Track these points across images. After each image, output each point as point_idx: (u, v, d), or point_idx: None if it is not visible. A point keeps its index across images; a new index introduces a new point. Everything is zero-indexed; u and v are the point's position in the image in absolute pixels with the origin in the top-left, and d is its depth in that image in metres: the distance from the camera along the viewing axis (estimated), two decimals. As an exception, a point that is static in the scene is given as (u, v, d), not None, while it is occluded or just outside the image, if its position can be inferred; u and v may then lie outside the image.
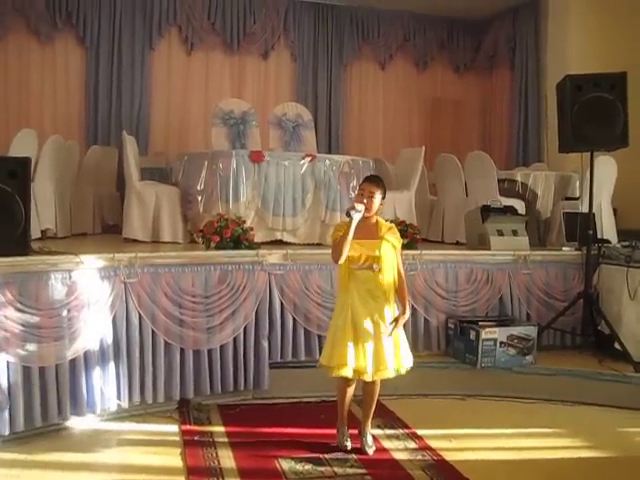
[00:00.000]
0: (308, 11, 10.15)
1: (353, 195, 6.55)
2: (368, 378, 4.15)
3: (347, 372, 4.08)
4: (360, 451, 4.31)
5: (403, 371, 4.23)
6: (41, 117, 8.95)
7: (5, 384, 4.19)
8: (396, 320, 4.14)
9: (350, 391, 4.31)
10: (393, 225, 4.35)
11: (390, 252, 4.19)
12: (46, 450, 4.26)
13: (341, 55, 10.35)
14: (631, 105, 5.96)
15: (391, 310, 4.20)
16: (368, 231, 4.16)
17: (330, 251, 4.20)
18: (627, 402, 5.31)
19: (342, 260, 4.08)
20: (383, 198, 4.24)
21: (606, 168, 7.08)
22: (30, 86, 8.96)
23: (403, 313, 4.18)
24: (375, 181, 4.26)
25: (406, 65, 10.78)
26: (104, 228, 7.79)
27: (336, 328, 4.18)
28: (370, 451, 4.33)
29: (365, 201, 4.12)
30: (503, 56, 10.44)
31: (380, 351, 4.12)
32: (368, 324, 4.13)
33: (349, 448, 4.31)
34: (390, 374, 4.17)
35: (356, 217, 4.04)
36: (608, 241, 6.69)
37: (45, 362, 4.39)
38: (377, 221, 4.25)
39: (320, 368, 4.26)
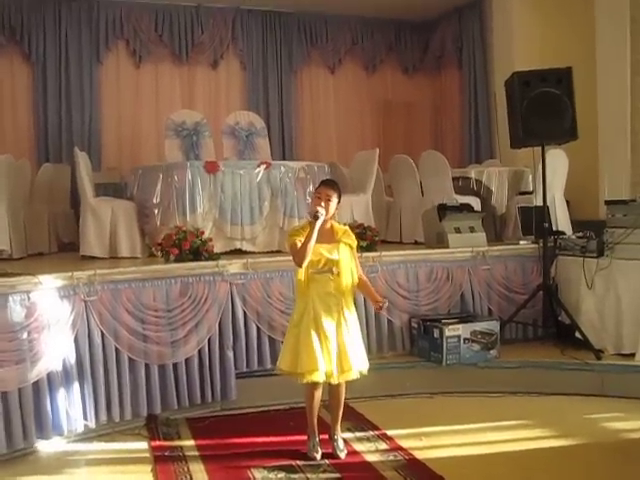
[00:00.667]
0: (256, 19, 10.10)
1: (310, 200, 6.56)
2: (335, 381, 4.17)
3: (319, 377, 4.10)
4: (332, 456, 4.32)
5: (365, 372, 4.29)
6: (-11, 137, 8.79)
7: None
8: (380, 308, 4.28)
9: (318, 396, 4.32)
10: (347, 228, 4.40)
11: (347, 255, 4.26)
12: (13, 476, 4.17)
13: (290, 61, 10.34)
14: (578, 99, 6.07)
15: (351, 312, 4.27)
16: (325, 235, 4.20)
17: (290, 257, 4.21)
18: (591, 389, 5.42)
19: (305, 263, 4.09)
20: (338, 202, 4.29)
21: (557, 161, 7.20)
22: (-25, 105, 8.80)
23: (380, 300, 4.29)
24: (331, 185, 4.31)
25: (355, 68, 10.81)
26: (60, 247, 7.66)
27: (298, 333, 4.18)
28: (342, 455, 4.35)
29: (323, 204, 4.15)
30: (451, 56, 10.54)
31: (344, 353, 4.17)
32: (330, 327, 4.16)
33: (319, 459, 4.29)
34: (355, 375, 4.22)
35: (320, 220, 4.09)
36: (563, 233, 6.81)
37: (7, 386, 4.30)
38: (332, 225, 4.31)
39: (281, 374, 4.28)
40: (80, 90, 9.13)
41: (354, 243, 4.33)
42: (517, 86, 6.12)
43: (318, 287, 4.20)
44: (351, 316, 4.27)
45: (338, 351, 4.16)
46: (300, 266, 4.11)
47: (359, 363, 4.24)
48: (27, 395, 4.42)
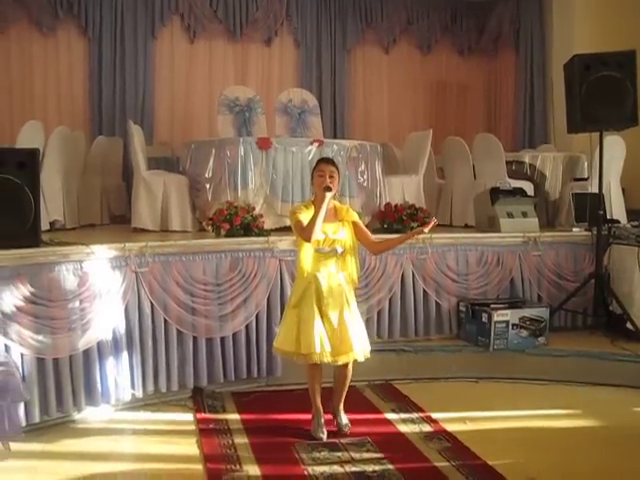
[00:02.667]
0: (311, -3, 10.06)
1: (361, 180, 6.55)
2: (337, 362, 4.18)
3: (320, 358, 4.10)
4: (339, 434, 4.37)
5: (368, 355, 4.28)
6: (45, 109, 8.89)
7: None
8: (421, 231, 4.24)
9: (319, 375, 4.33)
10: (348, 206, 4.41)
11: (351, 234, 4.26)
12: (62, 441, 4.28)
13: (344, 40, 10.24)
14: (640, 84, 5.93)
15: (352, 293, 4.30)
16: (328, 214, 4.18)
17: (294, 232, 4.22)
18: (641, 382, 5.32)
19: (315, 239, 4.06)
20: (338, 181, 4.28)
21: (615, 148, 7.03)
22: (33, 78, 8.89)
23: (417, 231, 4.33)
24: (332, 162, 4.34)
25: (410, 49, 10.67)
26: (111, 219, 7.75)
27: (299, 313, 4.18)
28: (347, 429, 4.40)
29: (329, 181, 4.15)
30: (507, 37, 10.33)
31: (345, 334, 4.16)
32: (333, 307, 4.17)
33: (324, 439, 4.31)
34: (357, 356, 4.21)
35: (329, 195, 4.08)
36: (618, 221, 6.67)
37: (59, 353, 4.41)
38: (334, 204, 4.31)
39: (278, 354, 4.34)
40: (134, 65, 9.19)
41: (357, 218, 4.33)
42: (577, 69, 5.99)
43: (321, 266, 4.19)
44: (352, 297, 4.29)
45: (340, 332, 4.15)
46: (309, 240, 4.05)
47: (361, 344, 4.22)
48: (77, 363, 4.53)
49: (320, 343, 4.08)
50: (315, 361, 4.13)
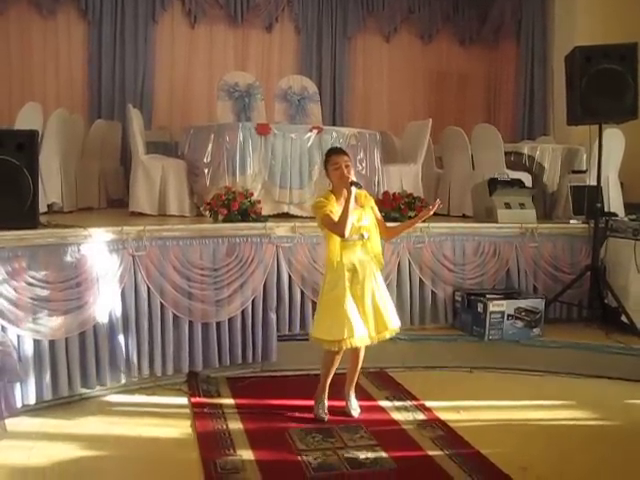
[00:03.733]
0: (312, -17, 10.03)
1: (360, 168, 6.54)
2: (374, 341, 4.29)
3: (358, 342, 4.19)
4: (345, 413, 4.46)
5: (397, 330, 4.41)
6: (44, 91, 8.84)
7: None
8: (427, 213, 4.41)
9: (338, 361, 4.38)
10: (365, 192, 4.42)
11: (372, 218, 4.35)
12: (57, 423, 4.29)
13: (345, 28, 10.20)
14: (641, 77, 5.91)
15: (379, 274, 4.39)
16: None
17: (323, 226, 4.24)
18: (634, 374, 5.35)
19: (348, 233, 4.11)
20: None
21: (614, 141, 7.02)
22: (33, 60, 8.85)
23: (423, 214, 4.46)
24: (344, 152, 4.40)
25: (411, 38, 10.63)
26: (109, 202, 7.75)
27: (335, 301, 4.22)
28: (355, 413, 4.48)
29: (346, 172, 4.20)
30: (509, 28, 10.30)
31: (379, 314, 4.28)
32: (366, 291, 4.24)
33: (326, 420, 4.38)
34: (391, 333, 4.36)
35: (355, 190, 4.13)
36: (615, 214, 6.69)
37: (55, 335, 4.41)
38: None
39: (316, 342, 4.32)
40: (134, 49, 9.15)
41: (373, 202, 4.41)
42: (578, 61, 5.98)
43: (350, 254, 4.24)
44: (380, 277, 4.39)
45: (374, 313, 4.26)
46: (344, 236, 4.12)
47: (394, 322, 4.36)
48: (73, 345, 4.54)
49: (356, 328, 4.15)
50: (353, 345, 4.20)
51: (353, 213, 4.16)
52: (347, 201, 4.09)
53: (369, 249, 4.31)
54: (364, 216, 4.28)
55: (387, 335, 4.33)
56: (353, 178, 4.17)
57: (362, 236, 4.25)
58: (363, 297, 4.23)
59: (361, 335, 4.18)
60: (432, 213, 4.37)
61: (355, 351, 4.38)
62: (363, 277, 4.25)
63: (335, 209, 4.18)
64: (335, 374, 4.46)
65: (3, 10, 8.59)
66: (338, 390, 4.54)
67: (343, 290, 4.20)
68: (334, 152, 4.39)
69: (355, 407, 4.51)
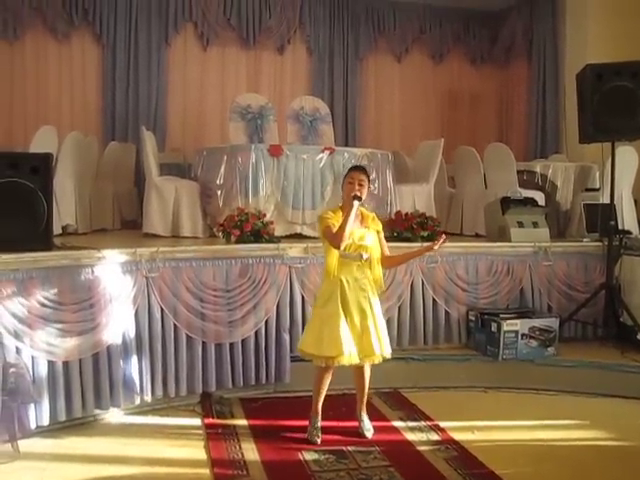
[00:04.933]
0: (323, 5, 10.07)
1: (372, 188, 6.55)
2: (359, 363, 4.25)
3: (345, 361, 4.16)
4: (359, 434, 4.43)
5: (388, 357, 4.35)
6: (59, 114, 8.94)
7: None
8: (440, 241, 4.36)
9: (329, 379, 4.38)
10: (374, 214, 4.47)
11: (376, 241, 4.34)
12: (71, 444, 4.30)
13: (357, 49, 10.27)
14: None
15: (376, 298, 4.35)
16: (356, 220, 4.26)
17: (323, 237, 4.27)
18: (651, 394, 5.29)
19: (343, 245, 4.13)
20: (368, 188, 4.34)
21: (627, 158, 7.03)
22: (48, 83, 8.95)
23: (428, 246, 4.47)
24: (363, 170, 4.40)
25: (422, 58, 10.68)
26: (123, 224, 7.81)
27: (323, 316, 4.24)
28: (368, 434, 4.45)
29: (358, 189, 4.22)
30: (520, 47, 10.33)
31: (367, 338, 4.23)
32: (357, 312, 4.22)
33: (319, 443, 4.34)
34: (378, 359, 4.29)
35: (357, 203, 4.16)
36: (629, 232, 6.64)
37: (69, 357, 4.43)
38: (361, 211, 4.38)
39: (302, 356, 4.37)
40: (148, 71, 9.24)
41: (380, 227, 4.41)
42: (589, 79, 5.99)
43: (347, 271, 4.25)
44: (376, 302, 4.35)
45: (363, 335, 4.22)
46: (338, 248, 4.15)
47: (383, 348, 4.29)
48: (87, 366, 4.55)
49: (343, 346, 4.13)
50: (340, 363, 4.18)
51: (356, 231, 4.20)
52: (347, 214, 4.11)
53: (368, 271, 4.29)
54: (367, 236, 4.28)
55: (374, 360, 4.28)
56: (359, 194, 4.17)
57: (361, 256, 4.24)
58: (354, 317, 4.21)
59: (350, 354, 4.15)
60: (437, 248, 4.37)
61: (359, 371, 4.38)
62: (357, 297, 4.24)
63: (338, 223, 4.18)
64: (348, 394, 4.45)
65: (19, 34, 8.70)
66: (351, 411, 4.53)
67: (336, 306, 4.20)
68: (353, 168, 4.43)
69: (368, 427, 4.49)
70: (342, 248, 4.16)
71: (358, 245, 4.23)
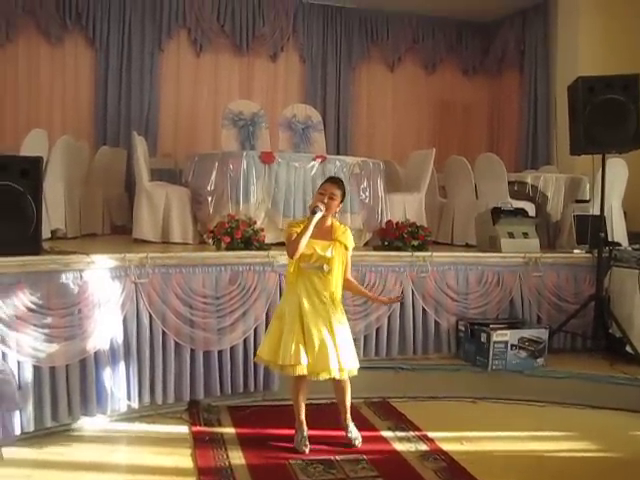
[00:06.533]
0: (317, 13, 10.12)
1: (363, 196, 6.57)
2: (317, 377, 4.21)
3: (299, 371, 4.15)
4: (349, 445, 4.40)
5: (354, 372, 4.32)
6: (51, 118, 8.92)
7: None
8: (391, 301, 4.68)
9: (303, 389, 4.38)
10: (347, 229, 4.42)
11: (341, 255, 4.29)
12: (57, 450, 4.26)
13: (350, 57, 10.31)
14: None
15: (337, 311, 4.29)
16: (322, 231, 4.25)
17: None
18: (639, 405, 5.28)
19: (297, 255, 4.12)
20: (341, 201, 4.33)
21: (617, 170, 7.05)
22: (40, 87, 8.93)
23: (378, 299, 4.80)
24: (337, 183, 4.36)
25: (415, 68, 10.72)
26: (113, 229, 7.78)
27: (282, 325, 4.23)
28: (357, 443, 4.42)
29: (325, 201, 4.20)
30: (512, 58, 10.38)
31: (323, 352, 4.17)
32: (315, 323, 4.19)
33: (307, 452, 4.31)
34: (335, 374, 4.21)
35: (317, 215, 4.13)
36: (619, 244, 6.67)
37: (56, 362, 4.39)
38: (332, 223, 4.35)
39: (260, 362, 4.43)
40: (140, 77, 9.23)
41: (350, 244, 4.34)
42: (581, 91, 6.00)
43: (306, 282, 4.24)
44: (336, 315, 4.28)
45: (318, 348, 4.17)
46: (291, 257, 4.15)
47: (341, 363, 4.21)
48: (74, 372, 4.51)
49: (299, 356, 4.13)
50: (290, 373, 4.20)
51: (319, 243, 4.19)
52: (306, 225, 4.11)
53: (327, 284, 4.25)
54: (330, 249, 4.23)
55: (330, 374, 4.19)
56: (320, 206, 4.14)
57: (321, 267, 4.22)
58: (311, 329, 4.17)
59: (301, 365, 4.13)
60: (387, 302, 4.61)
61: (335, 385, 4.36)
62: (316, 309, 4.21)
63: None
64: (335, 403, 4.45)
65: (12, 37, 8.68)
66: (339, 420, 4.51)
67: (293, 316, 4.20)
68: (328, 180, 4.42)
69: (356, 436, 4.45)
70: (304, 258, 4.17)
71: (320, 256, 4.20)
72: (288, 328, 4.19)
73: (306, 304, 4.20)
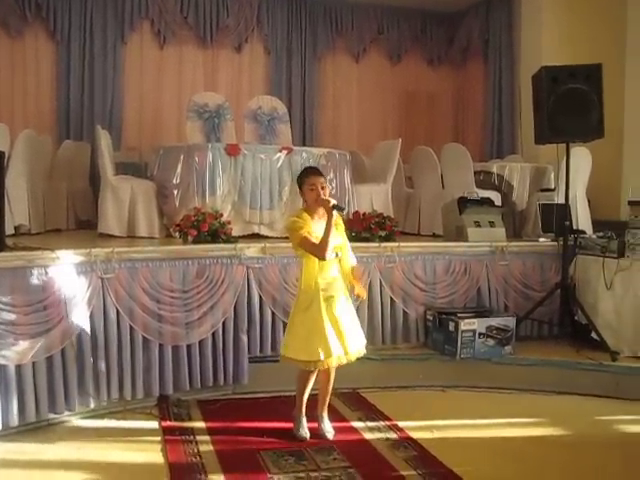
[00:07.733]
0: (281, 4, 10.06)
1: (330, 188, 6.52)
2: (345, 360, 4.25)
3: (335, 362, 4.20)
4: (319, 436, 4.41)
5: (363, 352, 4.41)
6: (12, 112, 8.78)
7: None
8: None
9: (313, 379, 4.38)
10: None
11: (342, 237, 4.36)
12: (23, 449, 4.21)
13: (315, 48, 10.29)
14: (605, 96, 5.98)
15: (349, 294, 4.40)
16: (322, 221, 4.24)
17: (299, 247, 4.23)
18: (605, 391, 5.38)
19: (329, 257, 4.14)
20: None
21: (581, 159, 7.12)
22: (0, 81, 8.80)
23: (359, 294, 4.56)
24: (320, 172, 4.41)
25: (380, 58, 10.73)
26: (78, 224, 7.67)
27: (311, 321, 4.21)
28: (329, 435, 4.43)
29: (327, 193, 4.26)
30: (476, 48, 10.42)
31: (351, 334, 4.28)
32: (340, 310, 4.24)
33: (308, 439, 4.36)
34: (357, 355, 4.33)
35: (336, 214, 4.16)
36: (584, 232, 6.75)
37: (22, 360, 4.32)
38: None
39: (287, 362, 4.32)
40: (103, 69, 9.13)
41: (343, 231, 4.42)
42: (545, 81, 6.04)
43: (326, 273, 4.25)
44: (349, 298, 4.39)
45: (346, 332, 4.24)
46: (325, 259, 4.13)
47: (360, 344, 4.36)
48: (40, 369, 4.45)
49: (332, 348, 4.16)
50: (328, 366, 4.21)
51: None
52: (328, 224, 4.09)
53: (342, 268, 4.35)
54: (336, 235, 4.26)
55: (353, 357, 4.29)
56: (334, 201, 4.16)
57: (337, 255, 4.27)
58: (337, 316, 4.21)
59: (337, 355, 4.18)
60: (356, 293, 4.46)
61: (326, 372, 4.36)
62: (337, 296, 4.25)
63: (312, 229, 4.17)
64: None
65: (-30, 31, 8.53)
66: (310, 412, 4.51)
67: (319, 310, 4.19)
68: (311, 173, 4.36)
69: (329, 429, 4.46)
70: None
71: (334, 245, 4.22)
72: (316, 322, 4.18)
73: (328, 293, 4.21)
